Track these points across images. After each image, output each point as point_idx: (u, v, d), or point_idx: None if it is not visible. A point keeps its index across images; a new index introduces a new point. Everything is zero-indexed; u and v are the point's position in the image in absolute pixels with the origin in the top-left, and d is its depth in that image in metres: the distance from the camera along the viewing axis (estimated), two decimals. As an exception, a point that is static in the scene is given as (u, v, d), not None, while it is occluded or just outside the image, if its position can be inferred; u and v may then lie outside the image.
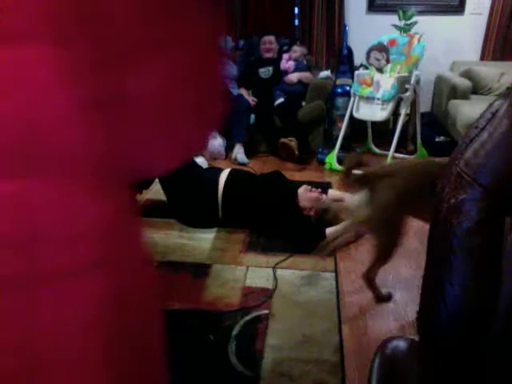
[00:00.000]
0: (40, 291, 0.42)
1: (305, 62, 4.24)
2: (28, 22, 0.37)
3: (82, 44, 0.39)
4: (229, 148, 3.88)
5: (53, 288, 0.42)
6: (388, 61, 3.57)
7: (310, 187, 2.70)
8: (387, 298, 2.04)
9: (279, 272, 2.22)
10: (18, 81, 0.38)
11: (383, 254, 1.85)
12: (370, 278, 1.97)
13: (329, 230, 2.48)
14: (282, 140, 3.73)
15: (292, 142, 3.72)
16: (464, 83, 3.94)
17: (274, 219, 2.53)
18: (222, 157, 3.84)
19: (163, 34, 0.42)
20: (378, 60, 3.58)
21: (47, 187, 0.41)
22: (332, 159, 3.68)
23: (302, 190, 2.69)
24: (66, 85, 0.40)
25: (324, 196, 2.73)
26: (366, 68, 3.65)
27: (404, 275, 2.25)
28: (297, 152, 3.72)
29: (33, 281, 0.41)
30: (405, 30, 3.70)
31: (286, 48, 4.31)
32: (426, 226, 0.82)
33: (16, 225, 0.40)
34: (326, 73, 4.19)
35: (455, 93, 3.93)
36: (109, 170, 0.45)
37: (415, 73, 3.50)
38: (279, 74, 4.11)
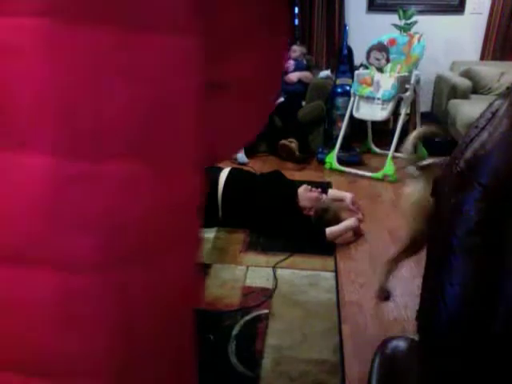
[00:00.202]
0: (135, 269, 0.46)
1: (304, 62, 4.24)
2: (173, 14, 0.42)
3: (202, 35, 0.43)
4: (229, 148, 3.87)
5: (147, 266, 0.47)
6: (388, 60, 3.57)
7: (309, 187, 2.70)
8: (386, 297, 2.04)
9: (279, 272, 2.22)
10: (159, 67, 0.42)
11: (416, 244, 1.83)
12: (390, 267, 1.96)
13: (329, 230, 2.48)
14: (282, 141, 3.73)
15: (292, 144, 3.72)
16: (464, 83, 3.94)
17: (274, 219, 2.53)
18: (221, 156, 3.84)
19: (257, 23, 0.47)
20: (378, 60, 3.58)
21: (154, 171, 0.44)
22: (332, 159, 3.68)
23: (301, 190, 2.69)
24: (193, 72, 0.44)
25: (324, 196, 2.73)
26: (366, 68, 3.65)
27: (404, 275, 2.25)
28: (297, 153, 3.72)
29: (138, 257, 0.45)
30: (405, 29, 3.69)
31: (285, 48, 4.30)
32: (426, 226, 0.82)
33: (126, 203, 0.44)
34: (326, 72, 4.19)
35: (455, 92, 3.93)
36: (201, 156, 0.49)
37: (415, 72, 3.50)
38: (279, 73, 4.11)
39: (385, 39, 3.65)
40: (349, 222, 2.57)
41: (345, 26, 4.08)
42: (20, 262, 0.43)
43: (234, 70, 0.49)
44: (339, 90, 3.77)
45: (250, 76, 0.51)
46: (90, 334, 0.46)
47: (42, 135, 0.40)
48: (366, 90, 3.52)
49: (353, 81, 3.65)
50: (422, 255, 0.86)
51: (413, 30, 3.68)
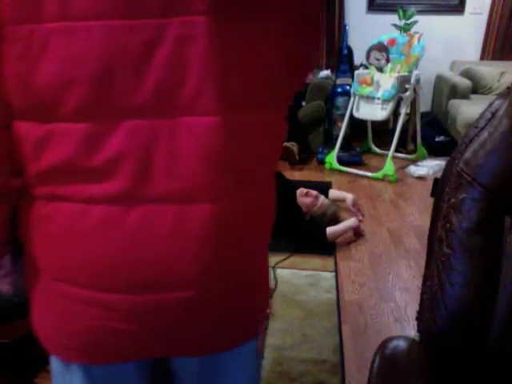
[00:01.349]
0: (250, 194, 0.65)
1: (305, 62, 4.23)
2: (281, 2, 0.59)
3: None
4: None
5: (255, 190, 0.66)
6: (388, 60, 3.57)
7: (305, 190, 2.65)
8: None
9: (279, 272, 2.22)
10: (290, 41, 0.62)
11: None
12: None
13: (329, 230, 2.47)
14: (284, 143, 3.73)
15: (293, 147, 3.71)
16: (464, 83, 3.94)
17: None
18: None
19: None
20: (378, 60, 3.58)
21: (280, 115, 0.66)
22: (332, 159, 3.68)
23: (297, 193, 2.66)
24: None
25: (321, 198, 2.68)
26: (366, 68, 3.65)
27: (404, 275, 2.25)
28: (297, 157, 3.72)
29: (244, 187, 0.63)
30: (405, 29, 3.69)
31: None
32: (426, 226, 0.82)
33: (261, 144, 0.63)
34: (325, 72, 4.19)
35: (455, 92, 3.93)
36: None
37: (415, 72, 3.50)
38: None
39: (385, 39, 3.65)
40: (349, 222, 2.56)
41: (345, 26, 4.08)
42: (185, 200, 0.58)
43: (304, 40, 0.68)
44: (339, 89, 3.77)
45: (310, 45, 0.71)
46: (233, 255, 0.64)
47: (206, 100, 0.56)
48: (366, 90, 3.52)
49: (353, 81, 3.65)
50: (422, 255, 0.86)
51: (413, 29, 3.68)
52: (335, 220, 2.64)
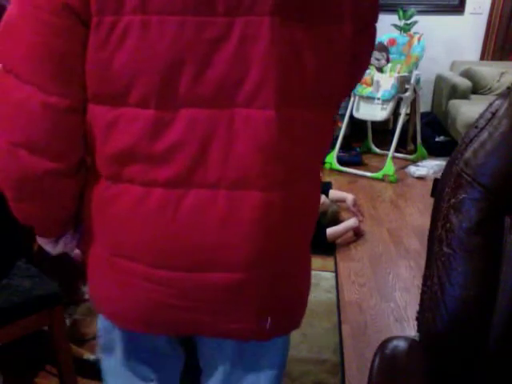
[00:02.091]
0: (295, 187, 0.69)
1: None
2: (341, 7, 0.64)
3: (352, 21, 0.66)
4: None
5: (303, 184, 0.71)
6: (388, 60, 3.57)
7: None
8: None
9: (279, 272, 2.22)
10: (334, 45, 0.65)
11: None
12: None
13: (329, 230, 2.47)
14: None
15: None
16: (464, 83, 3.94)
17: None
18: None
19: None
20: (378, 60, 3.58)
21: (330, 116, 0.72)
22: (332, 159, 3.68)
23: None
24: (348, 47, 0.67)
25: (322, 198, 2.69)
26: (366, 68, 3.64)
27: (404, 275, 2.25)
28: None
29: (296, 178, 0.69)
30: (405, 29, 3.69)
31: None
32: (426, 226, 0.82)
33: (305, 138, 0.68)
34: (325, 73, 4.19)
35: (455, 92, 3.93)
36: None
37: (415, 72, 3.50)
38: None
39: (385, 39, 3.65)
40: (349, 223, 2.56)
41: (345, 26, 4.07)
42: (238, 187, 0.63)
43: (361, 47, 0.74)
44: (339, 90, 3.77)
45: (366, 52, 0.80)
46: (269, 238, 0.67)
47: (267, 95, 0.61)
48: (366, 90, 3.52)
49: (353, 81, 3.65)
50: (422, 255, 0.86)
51: (413, 30, 3.68)
52: (335, 220, 2.64)
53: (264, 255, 0.67)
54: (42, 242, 0.80)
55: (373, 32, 0.76)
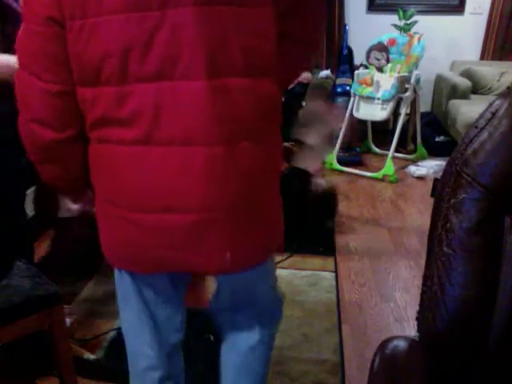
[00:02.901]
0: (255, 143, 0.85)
1: (304, 62, 4.23)
2: None
3: (273, 6, 0.82)
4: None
5: (262, 141, 0.87)
6: (388, 60, 3.57)
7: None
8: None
9: (279, 272, 2.22)
10: (257, 24, 0.81)
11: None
12: None
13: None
14: (285, 144, 3.73)
15: (294, 147, 3.72)
16: (464, 83, 3.94)
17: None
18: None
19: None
20: (378, 60, 3.58)
21: (256, 82, 0.83)
22: (332, 159, 3.68)
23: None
24: (273, 26, 0.83)
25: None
26: (366, 68, 3.65)
27: (404, 275, 2.25)
28: None
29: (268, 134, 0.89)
30: (405, 29, 3.69)
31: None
32: (426, 226, 0.82)
33: (247, 103, 0.82)
34: (326, 72, 4.19)
35: (455, 92, 3.92)
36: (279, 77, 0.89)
37: (415, 72, 3.50)
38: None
39: (385, 39, 3.64)
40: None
41: (345, 26, 4.08)
42: (192, 142, 0.79)
43: (290, 25, 0.89)
44: (339, 89, 3.77)
45: (300, 28, 0.93)
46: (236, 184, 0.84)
47: (198, 69, 0.77)
48: (366, 90, 3.52)
49: (353, 81, 3.65)
50: (422, 255, 0.86)
51: (413, 30, 3.68)
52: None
53: (211, 200, 0.82)
54: (64, 200, 1.03)
55: (301, 13, 0.91)
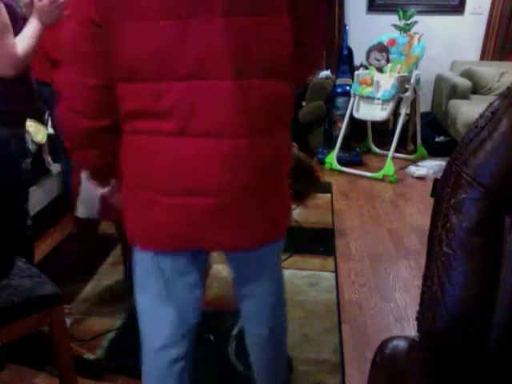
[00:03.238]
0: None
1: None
2: (280, 5, 0.90)
3: (291, 15, 0.92)
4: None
5: (272, 134, 0.97)
6: (388, 61, 3.57)
7: None
8: None
9: (279, 272, 2.22)
10: (275, 33, 0.91)
11: None
12: None
13: None
14: None
15: (293, 147, 3.72)
16: (464, 83, 3.94)
17: None
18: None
19: (315, 10, 1.03)
20: (377, 60, 3.58)
21: (284, 83, 0.97)
22: (332, 159, 3.68)
23: None
24: (289, 35, 0.94)
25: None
26: (366, 68, 3.65)
27: (404, 275, 2.25)
28: None
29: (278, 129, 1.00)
30: (405, 29, 3.69)
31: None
32: (426, 226, 0.82)
33: (266, 98, 0.94)
34: (326, 73, 4.19)
35: (455, 93, 3.92)
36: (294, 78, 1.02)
37: (415, 72, 3.50)
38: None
39: (385, 39, 3.65)
40: None
41: (345, 26, 4.08)
42: (218, 135, 0.90)
43: (307, 34, 1.02)
44: (339, 90, 3.77)
45: (314, 38, 1.07)
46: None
47: (226, 71, 0.88)
48: (366, 90, 3.52)
49: (353, 81, 3.65)
50: (422, 255, 0.86)
51: (413, 30, 3.68)
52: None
53: (233, 186, 0.93)
54: (92, 184, 1.12)
55: (317, 20, 1.04)
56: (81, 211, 1.69)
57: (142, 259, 1.06)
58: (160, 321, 1.10)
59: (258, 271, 1.15)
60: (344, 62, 3.82)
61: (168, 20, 0.85)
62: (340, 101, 3.76)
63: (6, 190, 1.55)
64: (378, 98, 3.45)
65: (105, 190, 1.12)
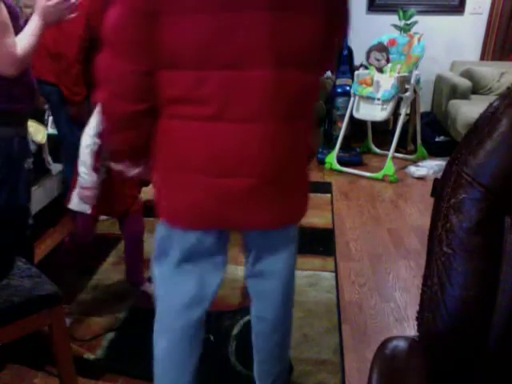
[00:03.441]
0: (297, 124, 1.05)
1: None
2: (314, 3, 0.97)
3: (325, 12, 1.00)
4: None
5: (299, 121, 1.04)
6: (388, 61, 3.57)
7: None
8: None
9: (279, 272, 2.22)
10: (316, 28, 0.99)
11: None
12: None
13: None
14: None
15: None
16: (464, 83, 3.94)
17: None
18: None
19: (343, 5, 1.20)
20: (377, 60, 3.58)
21: (314, 74, 1.05)
22: (332, 159, 3.68)
23: None
24: (324, 30, 1.00)
25: None
26: (366, 68, 3.65)
27: (404, 275, 2.25)
28: None
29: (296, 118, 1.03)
30: (405, 29, 3.69)
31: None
32: (426, 226, 0.82)
33: (299, 89, 1.01)
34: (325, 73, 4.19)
35: (455, 93, 3.92)
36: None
37: (415, 73, 3.50)
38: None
39: (385, 39, 3.65)
40: None
41: (345, 26, 4.07)
42: (254, 120, 0.96)
43: (335, 28, 1.13)
44: (339, 90, 3.77)
45: (340, 32, 1.24)
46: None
47: (267, 61, 0.93)
48: (366, 91, 3.52)
49: (353, 81, 3.65)
50: (422, 255, 0.86)
51: (413, 30, 3.68)
52: None
53: (271, 168, 1.00)
54: (125, 166, 1.17)
55: (342, 19, 1.20)
56: (74, 203, 1.70)
57: (170, 235, 1.11)
58: (182, 284, 1.15)
59: (275, 249, 1.24)
60: (344, 62, 3.82)
61: (213, 13, 0.88)
62: (340, 101, 3.76)
63: (9, 189, 1.55)
64: (378, 98, 3.45)
65: (137, 171, 1.17)
